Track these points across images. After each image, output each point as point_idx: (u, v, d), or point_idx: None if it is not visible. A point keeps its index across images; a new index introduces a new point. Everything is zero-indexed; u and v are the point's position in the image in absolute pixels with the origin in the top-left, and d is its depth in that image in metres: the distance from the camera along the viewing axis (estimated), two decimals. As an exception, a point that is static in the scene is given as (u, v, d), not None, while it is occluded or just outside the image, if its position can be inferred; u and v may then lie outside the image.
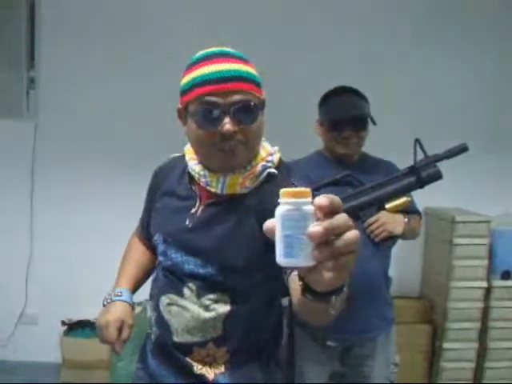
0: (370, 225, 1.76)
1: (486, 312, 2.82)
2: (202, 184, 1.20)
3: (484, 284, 2.80)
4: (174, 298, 1.24)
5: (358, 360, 1.83)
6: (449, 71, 3.02)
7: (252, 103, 1.13)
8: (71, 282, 2.91)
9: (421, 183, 1.79)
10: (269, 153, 1.22)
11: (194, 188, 1.24)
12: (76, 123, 3.01)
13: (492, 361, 2.84)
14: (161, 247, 1.27)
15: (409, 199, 1.81)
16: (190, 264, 1.21)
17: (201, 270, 1.20)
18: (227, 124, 1.10)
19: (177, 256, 1.23)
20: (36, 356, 3.03)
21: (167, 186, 1.31)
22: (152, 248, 1.38)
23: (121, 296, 1.32)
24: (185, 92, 1.16)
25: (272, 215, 0.67)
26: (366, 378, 1.83)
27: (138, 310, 2.47)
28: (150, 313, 1.34)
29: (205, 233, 1.20)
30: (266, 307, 1.28)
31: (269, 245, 1.06)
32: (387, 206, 1.78)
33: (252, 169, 1.18)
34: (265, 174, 1.19)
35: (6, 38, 2.88)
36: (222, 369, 1.24)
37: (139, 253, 1.44)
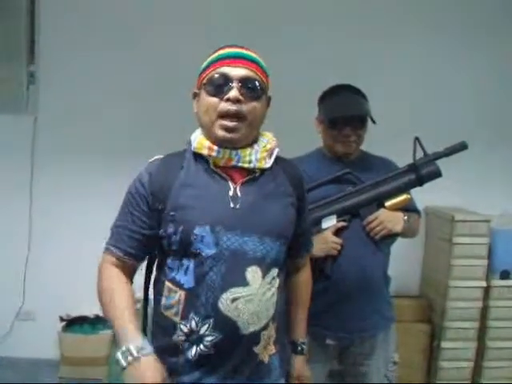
0: (370, 222, 1.75)
1: (484, 311, 2.82)
2: (233, 162, 1.24)
3: (483, 283, 2.80)
4: (239, 290, 1.19)
5: (357, 358, 1.82)
6: (449, 70, 3.01)
7: (258, 82, 1.24)
8: (69, 278, 2.90)
9: (420, 181, 1.79)
10: (272, 135, 1.35)
11: (219, 172, 1.26)
12: (76, 118, 3.00)
13: (490, 360, 2.84)
14: (208, 239, 1.20)
15: (408, 197, 1.81)
16: (249, 244, 1.22)
17: (261, 247, 1.22)
18: (234, 91, 1.21)
19: (232, 241, 1.20)
20: (34, 352, 3.02)
21: (182, 181, 1.25)
22: (134, 258, 1.29)
23: (146, 349, 1.15)
24: (203, 70, 1.28)
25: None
26: (365, 377, 1.83)
27: (137, 306, 2.46)
28: (185, 329, 1.21)
29: (253, 209, 1.24)
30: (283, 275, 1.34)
31: (295, 210, 1.33)
32: (387, 203, 1.78)
33: (269, 145, 1.30)
34: (276, 151, 1.32)
35: (5, 33, 2.87)
36: (273, 349, 1.28)
37: (126, 288, 1.26)
